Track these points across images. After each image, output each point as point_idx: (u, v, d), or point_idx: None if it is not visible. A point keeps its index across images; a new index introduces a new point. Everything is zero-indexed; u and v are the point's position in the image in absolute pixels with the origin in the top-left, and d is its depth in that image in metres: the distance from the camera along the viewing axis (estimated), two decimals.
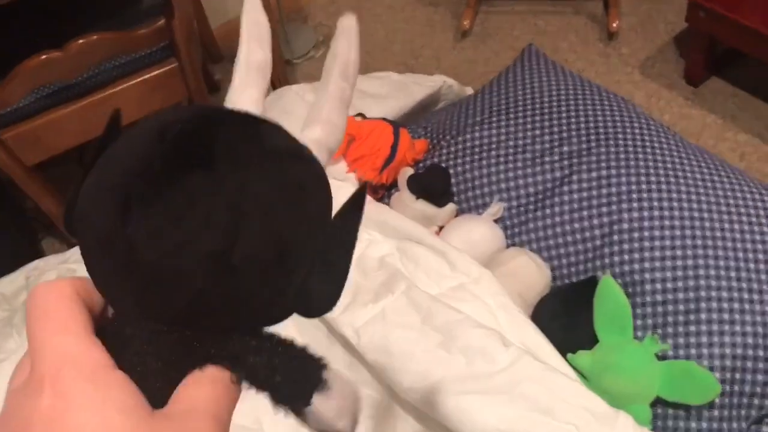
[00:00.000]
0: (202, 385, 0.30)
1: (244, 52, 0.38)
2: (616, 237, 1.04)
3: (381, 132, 1.22)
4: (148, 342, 0.30)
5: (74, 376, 0.27)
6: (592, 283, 1.00)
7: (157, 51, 1.52)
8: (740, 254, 1.01)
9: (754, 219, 1.05)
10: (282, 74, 1.94)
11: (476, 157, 1.21)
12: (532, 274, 1.05)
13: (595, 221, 1.07)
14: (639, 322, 0.98)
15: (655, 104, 1.96)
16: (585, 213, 1.08)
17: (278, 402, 0.32)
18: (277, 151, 0.31)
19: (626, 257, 1.02)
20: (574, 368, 0.94)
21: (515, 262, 1.06)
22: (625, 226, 1.04)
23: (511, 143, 1.21)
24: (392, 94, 1.50)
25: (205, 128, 0.31)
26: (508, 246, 1.14)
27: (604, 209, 1.07)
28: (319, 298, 0.32)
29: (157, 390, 0.29)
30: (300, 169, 0.32)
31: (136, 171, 0.29)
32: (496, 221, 1.15)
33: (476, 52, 2.22)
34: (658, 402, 0.94)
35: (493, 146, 1.22)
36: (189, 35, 1.48)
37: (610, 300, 0.96)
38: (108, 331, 0.31)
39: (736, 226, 1.04)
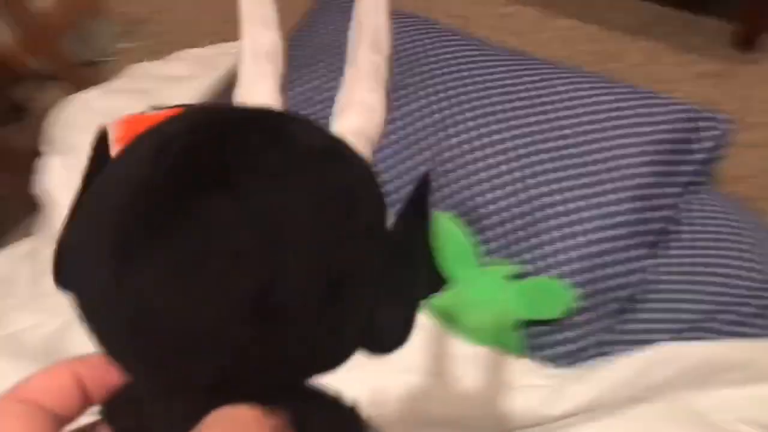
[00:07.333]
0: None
1: (249, 39, 0.30)
2: (440, 168, 0.99)
3: None
4: (165, 416, 0.23)
5: None
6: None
7: None
8: (574, 150, 0.98)
9: (590, 109, 1.01)
10: (81, 78, 1.77)
11: None
12: None
13: (418, 157, 1.01)
14: (483, 248, 0.94)
15: (471, 11, 1.92)
16: (408, 151, 1.02)
17: None
18: (310, 152, 0.25)
19: (454, 186, 0.97)
20: (440, 314, 0.89)
21: None
22: (447, 154, 0.99)
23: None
24: (196, 72, 1.38)
25: (214, 137, 0.23)
26: None
27: (423, 143, 1.01)
28: (391, 330, 0.26)
29: None
30: (342, 171, 0.26)
31: (132, 204, 0.21)
32: None
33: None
34: (524, 324, 0.91)
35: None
36: None
37: (447, 235, 0.91)
38: (117, 403, 0.24)
39: (565, 122, 1.00)
